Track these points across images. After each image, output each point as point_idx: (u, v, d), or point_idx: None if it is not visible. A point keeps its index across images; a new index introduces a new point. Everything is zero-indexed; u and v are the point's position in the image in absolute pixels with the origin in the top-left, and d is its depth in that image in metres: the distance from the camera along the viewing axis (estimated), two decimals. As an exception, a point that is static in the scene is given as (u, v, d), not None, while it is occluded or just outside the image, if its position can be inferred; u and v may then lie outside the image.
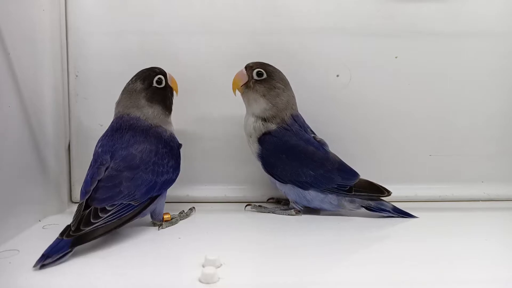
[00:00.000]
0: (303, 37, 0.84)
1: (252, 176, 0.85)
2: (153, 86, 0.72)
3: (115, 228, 0.64)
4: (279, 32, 0.84)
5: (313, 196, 0.75)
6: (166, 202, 0.72)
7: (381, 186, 0.75)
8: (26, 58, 0.69)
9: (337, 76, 0.85)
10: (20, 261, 0.56)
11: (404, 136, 0.87)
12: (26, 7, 0.70)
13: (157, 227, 0.69)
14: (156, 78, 0.72)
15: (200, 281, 0.51)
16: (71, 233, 0.59)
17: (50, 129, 0.77)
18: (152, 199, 0.67)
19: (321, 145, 0.76)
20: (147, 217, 0.72)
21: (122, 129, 0.69)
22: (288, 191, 0.76)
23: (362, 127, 0.87)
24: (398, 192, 0.84)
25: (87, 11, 0.82)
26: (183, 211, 0.75)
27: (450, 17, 0.85)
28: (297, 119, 0.76)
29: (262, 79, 0.74)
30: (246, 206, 0.80)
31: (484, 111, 0.87)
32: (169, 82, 0.74)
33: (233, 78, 0.75)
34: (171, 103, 0.74)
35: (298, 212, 0.76)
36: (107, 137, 0.69)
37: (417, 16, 0.85)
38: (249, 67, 0.75)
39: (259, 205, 0.80)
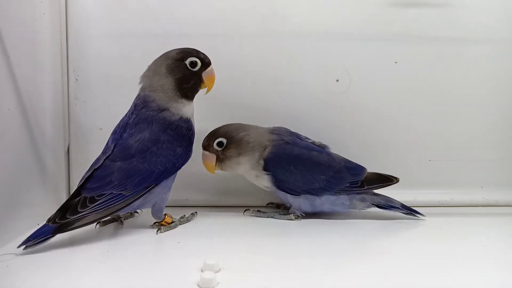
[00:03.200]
0: (303, 41, 0.85)
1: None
2: (184, 63, 0.69)
3: (103, 217, 0.65)
4: (279, 36, 0.84)
5: (323, 200, 0.75)
6: (165, 207, 0.71)
7: (387, 175, 0.76)
8: (26, 61, 0.69)
9: (337, 80, 0.85)
10: (18, 265, 0.56)
11: (403, 141, 0.87)
12: (27, 10, 0.70)
13: (156, 231, 0.69)
14: (192, 59, 0.69)
15: (198, 285, 0.50)
16: (57, 220, 0.61)
17: (50, 132, 0.77)
18: (149, 188, 0.67)
19: (322, 148, 0.77)
20: (146, 220, 0.72)
21: (132, 115, 0.69)
22: (300, 202, 0.75)
23: (362, 131, 0.87)
24: (398, 196, 0.84)
25: (87, 15, 0.82)
26: (184, 215, 0.75)
27: (450, 22, 0.85)
28: (278, 132, 0.76)
29: (225, 145, 0.74)
30: (245, 211, 0.79)
31: (484, 117, 0.87)
32: (203, 74, 0.70)
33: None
34: (188, 89, 0.70)
35: (298, 217, 0.76)
36: (121, 122, 0.70)
37: (417, 21, 0.85)
38: (207, 145, 0.75)
39: (257, 210, 0.79)
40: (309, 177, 0.73)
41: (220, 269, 0.55)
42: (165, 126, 0.68)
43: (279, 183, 0.74)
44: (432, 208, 0.86)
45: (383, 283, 0.53)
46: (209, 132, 0.76)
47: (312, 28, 0.84)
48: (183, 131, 0.69)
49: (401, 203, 0.77)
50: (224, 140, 0.74)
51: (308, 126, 0.82)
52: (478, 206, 0.87)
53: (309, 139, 0.79)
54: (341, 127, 0.86)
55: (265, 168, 0.74)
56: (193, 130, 0.71)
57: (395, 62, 0.86)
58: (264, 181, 0.75)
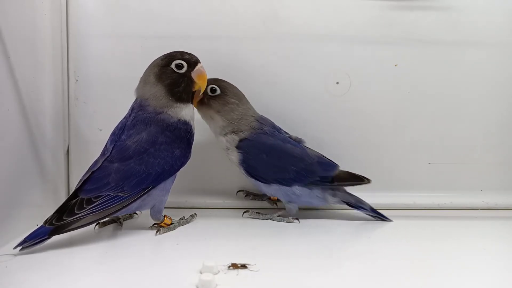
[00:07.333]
0: (303, 44, 0.85)
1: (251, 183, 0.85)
2: (170, 67, 0.69)
3: (100, 219, 0.65)
4: (280, 39, 0.84)
5: (301, 192, 0.75)
6: (164, 208, 0.71)
7: (361, 175, 0.76)
8: (27, 61, 0.69)
9: (337, 83, 0.85)
10: (16, 266, 0.56)
11: (403, 144, 0.87)
12: (27, 11, 0.70)
13: (155, 233, 0.69)
14: (176, 62, 0.69)
15: (197, 287, 0.50)
16: (53, 221, 0.61)
17: (49, 133, 0.77)
18: (146, 190, 0.66)
19: (298, 142, 0.77)
20: (145, 222, 0.72)
21: (130, 117, 0.69)
22: (274, 192, 0.76)
23: (361, 134, 0.87)
24: (397, 199, 0.84)
25: (88, 16, 0.83)
26: (183, 217, 0.75)
27: (449, 26, 0.85)
28: (263, 121, 0.77)
29: (215, 95, 0.75)
30: (244, 212, 0.79)
31: (484, 120, 0.87)
32: (192, 74, 0.69)
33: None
34: (181, 91, 0.69)
35: (296, 220, 0.76)
36: (120, 124, 0.70)
37: (417, 25, 0.85)
38: None
39: (257, 212, 0.79)
40: (280, 167, 0.74)
41: (219, 271, 0.54)
42: (163, 128, 0.68)
43: (250, 170, 0.75)
44: (431, 211, 0.86)
45: (381, 285, 0.53)
46: (215, 77, 0.76)
47: (312, 31, 0.85)
48: (181, 133, 0.69)
49: (371, 206, 0.77)
50: (218, 91, 0.75)
51: (308, 128, 0.82)
52: (478, 209, 0.87)
53: (288, 133, 0.79)
54: (341, 129, 0.86)
55: (238, 148, 0.74)
56: (192, 132, 0.71)
57: (395, 65, 0.86)
58: (233, 156, 0.75)
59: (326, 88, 0.85)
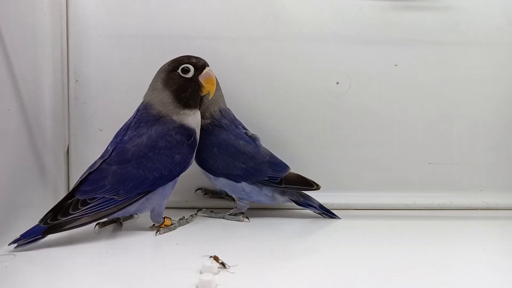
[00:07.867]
0: (303, 43, 0.85)
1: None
2: (176, 72, 0.68)
3: (95, 220, 0.65)
4: (279, 38, 0.84)
5: (250, 189, 0.76)
6: (165, 208, 0.71)
7: (310, 180, 0.76)
8: (27, 61, 0.69)
9: (337, 83, 0.85)
10: (17, 266, 0.56)
11: (403, 144, 0.87)
12: (27, 10, 0.70)
13: (155, 233, 0.69)
14: (183, 66, 0.68)
15: (197, 287, 0.50)
16: (48, 221, 0.61)
17: (49, 133, 0.77)
18: (143, 194, 0.66)
19: (253, 140, 0.77)
20: (145, 222, 0.72)
21: (134, 118, 0.69)
22: (222, 185, 0.77)
23: (361, 134, 0.86)
24: (397, 200, 0.84)
25: (88, 16, 0.82)
26: (183, 217, 0.75)
27: (450, 26, 0.85)
28: (225, 114, 0.77)
29: None
30: (198, 211, 0.80)
31: (484, 120, 0.87)
32: (200, 78, 0.68)
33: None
34: (187, 97, 0.68)
35: (247, 218, 0.77)
36: (124, 125, 0.70)
37: (417, 25, 0.85)
38: None
39: (210, 210, 0.80)
40: (229, 162, 0.74)
41: (219, 271, 0.55)
42: (164, 132, 0.67)
43: (200, 161, 0.75)
44: (431, 211, 0.86)
45: (381, 285, 0.53)
46: None
47: (312, 31, 0.84)
48: (183, 139, 0.68)
49: (319, 203, 0.78)
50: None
51: (308, 128, 0.82)
52: (478, 209, 0.87)
53: (245, 129, 0.79)
54: (340, 129, 0.86)
55: None
56: (195, 137, 0.70)
57: (395, 65, 0.86)
58: None
59: (326, 88, 0.85)
